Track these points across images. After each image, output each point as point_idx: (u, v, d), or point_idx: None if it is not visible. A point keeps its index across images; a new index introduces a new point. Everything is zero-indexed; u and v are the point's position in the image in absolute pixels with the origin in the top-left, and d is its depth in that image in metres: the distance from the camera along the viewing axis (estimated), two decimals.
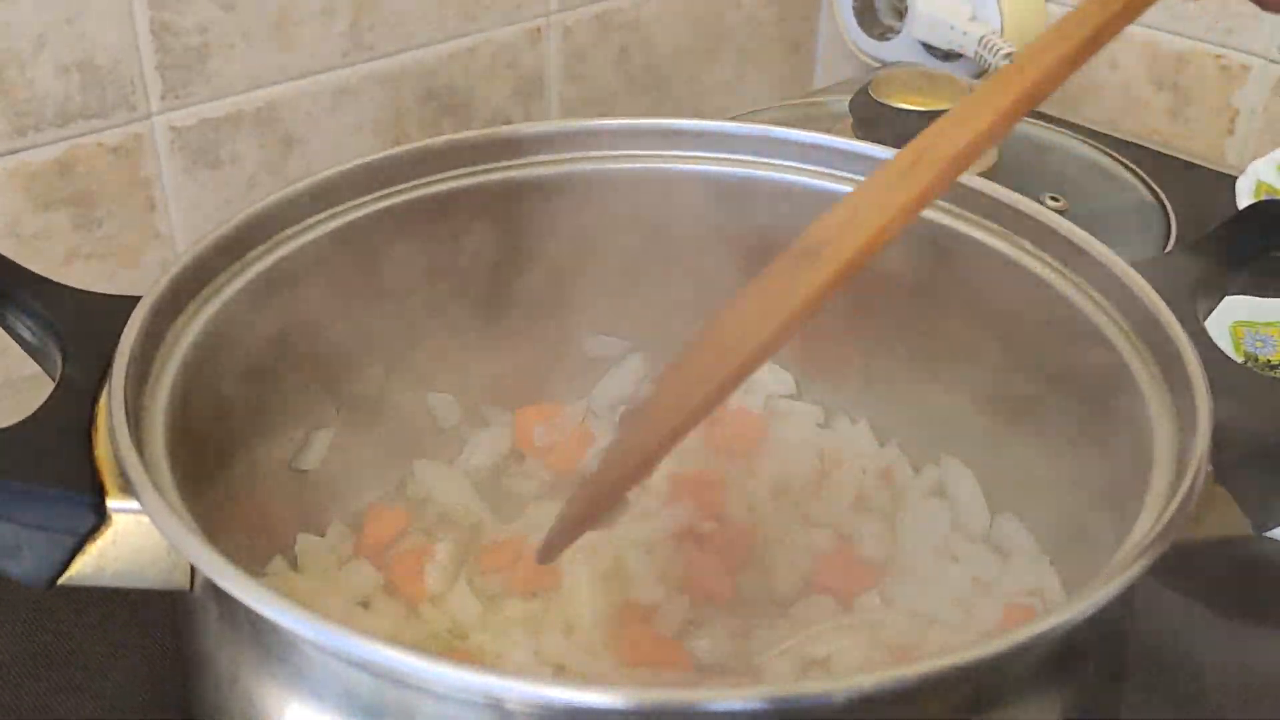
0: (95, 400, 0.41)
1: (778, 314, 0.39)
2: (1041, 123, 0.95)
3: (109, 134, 0.85)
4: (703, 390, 0.39)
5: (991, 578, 0.53)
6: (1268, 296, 0.70)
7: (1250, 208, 0.50)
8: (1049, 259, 0.50)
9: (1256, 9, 1.00)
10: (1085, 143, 0.92)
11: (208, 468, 0.47)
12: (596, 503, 0.43)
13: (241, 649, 0.37)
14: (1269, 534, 0.56)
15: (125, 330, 0.42)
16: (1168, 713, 0.52)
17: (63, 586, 0.39)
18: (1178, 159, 0.95)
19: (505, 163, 0.56)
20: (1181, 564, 0.58)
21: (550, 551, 0.45)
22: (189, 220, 0.90)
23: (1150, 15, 1.04)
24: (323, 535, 0.55)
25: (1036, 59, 0.38)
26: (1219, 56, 1.03)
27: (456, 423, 0.60)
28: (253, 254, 0.49)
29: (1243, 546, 0.57)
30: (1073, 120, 0.98)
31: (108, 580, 0.39)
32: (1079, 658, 0.38)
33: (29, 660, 0.55)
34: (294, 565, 0.53)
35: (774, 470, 0.58)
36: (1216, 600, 0.57)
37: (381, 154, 0.54)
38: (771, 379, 0.62)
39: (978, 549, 0.54)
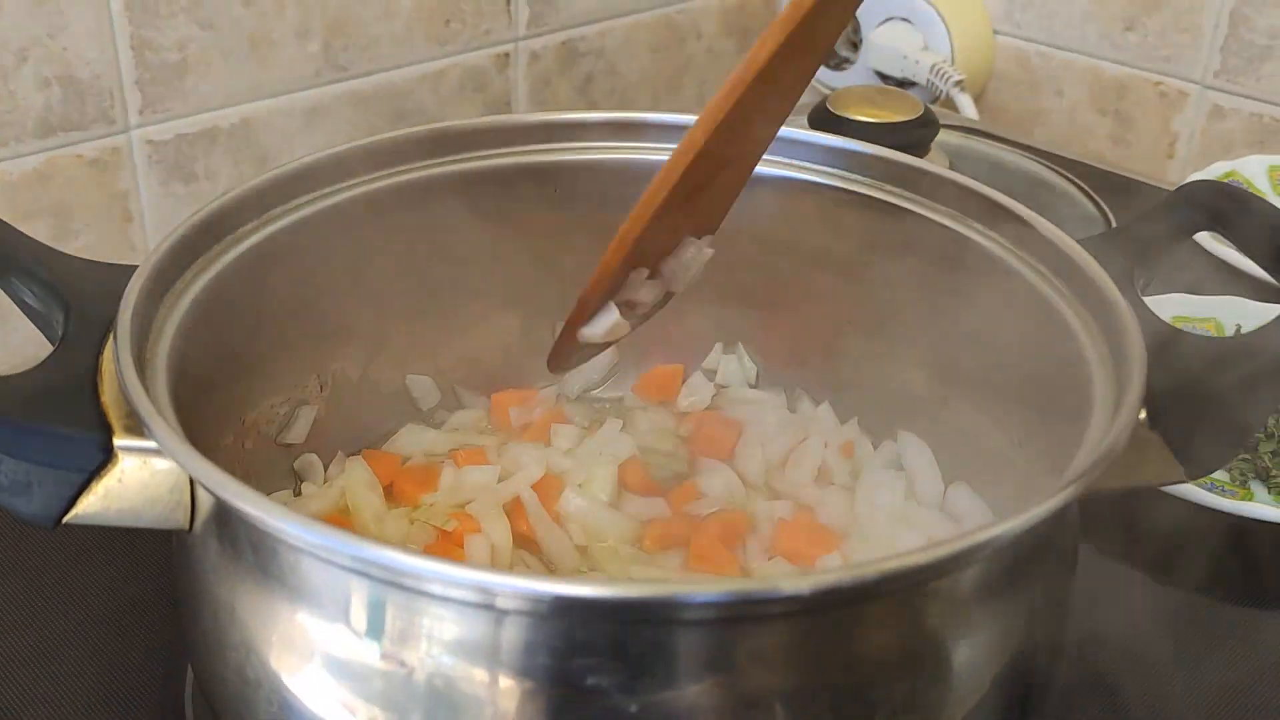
0: (99, 353, 0.44)
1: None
2: (994, 141, 0.99)
3: (87, 146, 0.87)
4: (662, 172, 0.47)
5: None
6: (1204, 294, 0.74)
7: (1179, 189, 0.53)
8: (997, 237, 0.54)
9: (1192, 38, 1.06)
10: (1034, 160, 0.96)
11: (199, 432, 0.49)
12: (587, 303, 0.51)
13: (240, 578, 0.39)
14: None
15: (129, 287, 0.44)
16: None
17: (68, 525, 0.41)
18: (1121, 176, 0.99)
19: (484, 152, 0.58)
20: (1115, 527, 0.61)
21: (557, 359, 0.53)
22: (164, 234, 0.92)
23: (1092, 44, 1.10)
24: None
25: None
26: (1158, 83, 1.08)
27: (435, 404, 0.63)
28: (244, 229, 0.52)
29: (1175, 515, 0.60)
30: (1025, 142, 1.02)
31: (111, 519, 0.41)
32: (1025, 581, 0.41)
33: (30, 601, 0.57)
34: None
35: (743, 454, 0.60)
36: (1153, 566, 0.60)
37: (366, 140, 0.56)
38: (737, 370, 0.65)
39: (933, 515, 0.56)
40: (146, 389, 0.40)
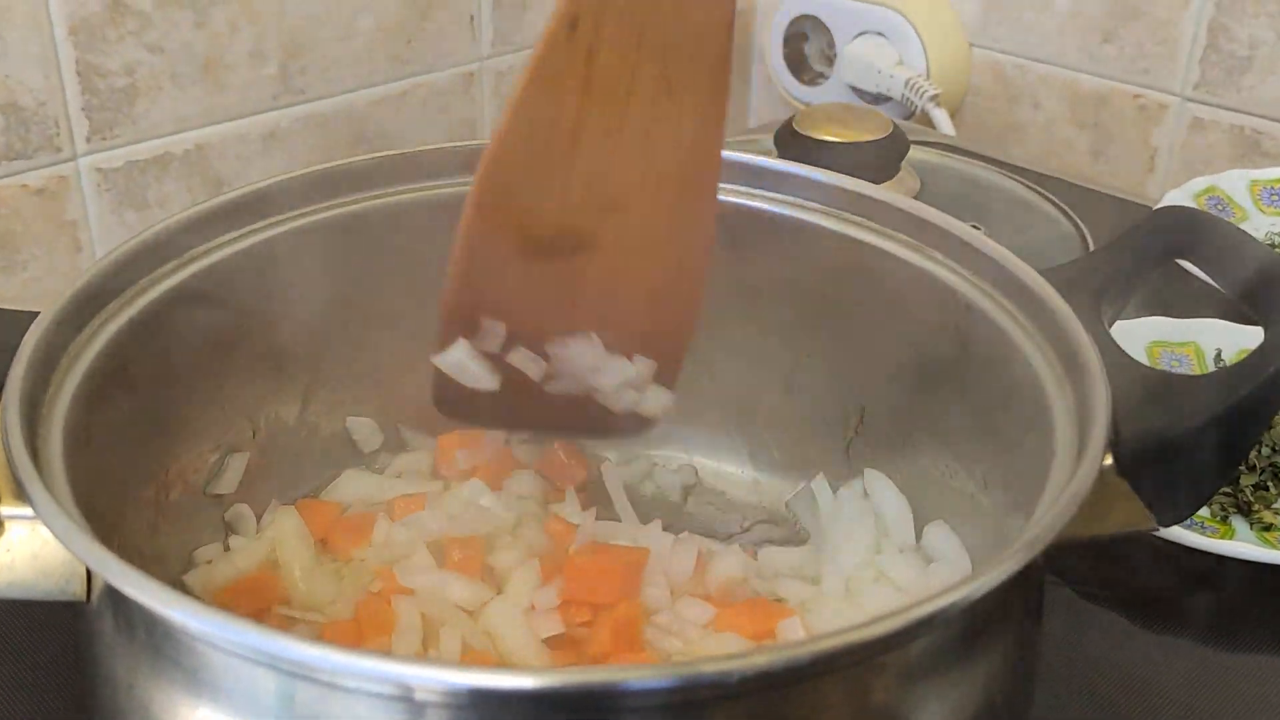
0: None
1: None
2: (969, 159, 0.97)
3: (33, 175, 0.85)
4: None
5: (917, 587, 0.53)
6: (1182, 316, 0.72)
7: (1153, 215, 0.50)
8: (959, 268, 0.51)
9: (1171, 49, 1.03)
10: (1010, 177, 0.94)
11: (111, 487, 0.46)
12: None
13: (137, 656, 0.37)
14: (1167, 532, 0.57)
15: (24, 341, 0.42)
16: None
17: None
18: (1098, 192, 0.97)
19: (416, 185, 0.56)
20: (1092, 564, 0.59)
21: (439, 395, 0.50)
22: None
23: (1069, 56, 1.07)
24: None
25: None
26: (1137, 96, 1.06)
27: (377, 447, 0.60)
28: (161, 270, 0.49)
29: (1153, 553, 0.58)
30: (1001, 159, 1.00)
31: (3, 592, 0.38)
32: (982, 647, 0.38)
33: None
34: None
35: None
36: (1130, 606, 0.58)
37: (292, 173, 0.53)
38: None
39: (905, 558, 0.54)
40: (36, 451, 0.38)
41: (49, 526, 0.35)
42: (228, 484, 0.54)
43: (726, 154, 0.56)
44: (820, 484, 0.58)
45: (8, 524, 0.38)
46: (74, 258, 0.89)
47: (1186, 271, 0.74)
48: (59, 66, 0.83)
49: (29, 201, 0.85)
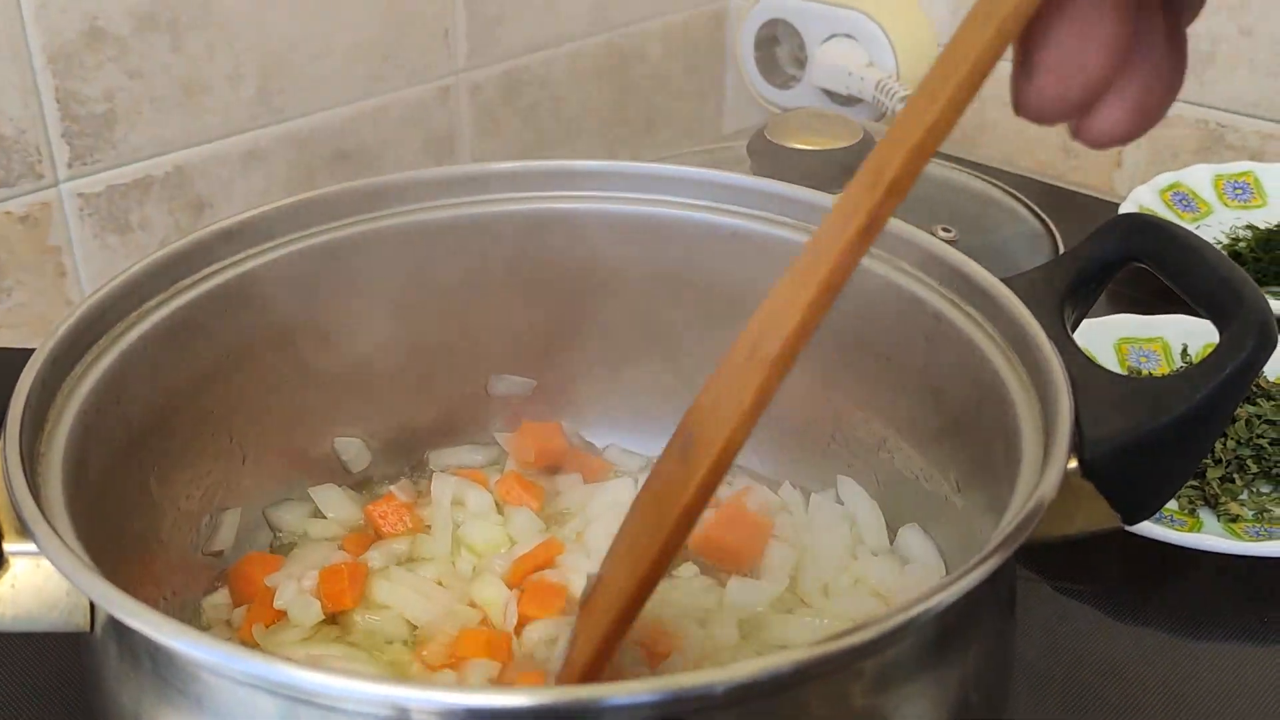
0: None
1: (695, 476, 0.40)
2: (940, 160, 0.99)
3: (15, 203, 0.85)
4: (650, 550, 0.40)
5: (893, 589, 0.54)
6: (1150, 314, 0.74)
7: (1112, 221, 0.52)
8: (925, 278, 0.52)
9: None
10: (979, 177, 0.95)
11: (114, 514, 0.47)
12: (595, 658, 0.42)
13: (142, 685, 0.38)
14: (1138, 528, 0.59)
15: (21, 377, 0.43)
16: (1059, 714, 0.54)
17: None
18: (1067, 190, 0.98)
19: (403, 208, 0.57)
20: (1067, 563, 0.60)
21: None
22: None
23: None
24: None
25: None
26: None
27: (365, 466, 0.61)
28: (150, 303, 0.50)
29: (1126, 547, 0.59)
30: (970, 158, 1.01)
31: (8, 625, 0.40)
32: (956, 649, 0.39)
33: None
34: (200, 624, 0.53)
35: None
36: (1106, 599, 0.59)
37: (276, 203, 0.55)
38: None
39: (880, 561, 0.55)
40: (36, 489, 0.39)
41: (52, 562, 0.36)
42: (223, 540, 0.55)
43: (693, 170, 0.58)
44: (792, 490, 0.59)
45: (12, 560, 0.39)
46: (58, 283, 0.90)
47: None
48: (39, 94, 0.84)
49: (12, 229, 0.86)
